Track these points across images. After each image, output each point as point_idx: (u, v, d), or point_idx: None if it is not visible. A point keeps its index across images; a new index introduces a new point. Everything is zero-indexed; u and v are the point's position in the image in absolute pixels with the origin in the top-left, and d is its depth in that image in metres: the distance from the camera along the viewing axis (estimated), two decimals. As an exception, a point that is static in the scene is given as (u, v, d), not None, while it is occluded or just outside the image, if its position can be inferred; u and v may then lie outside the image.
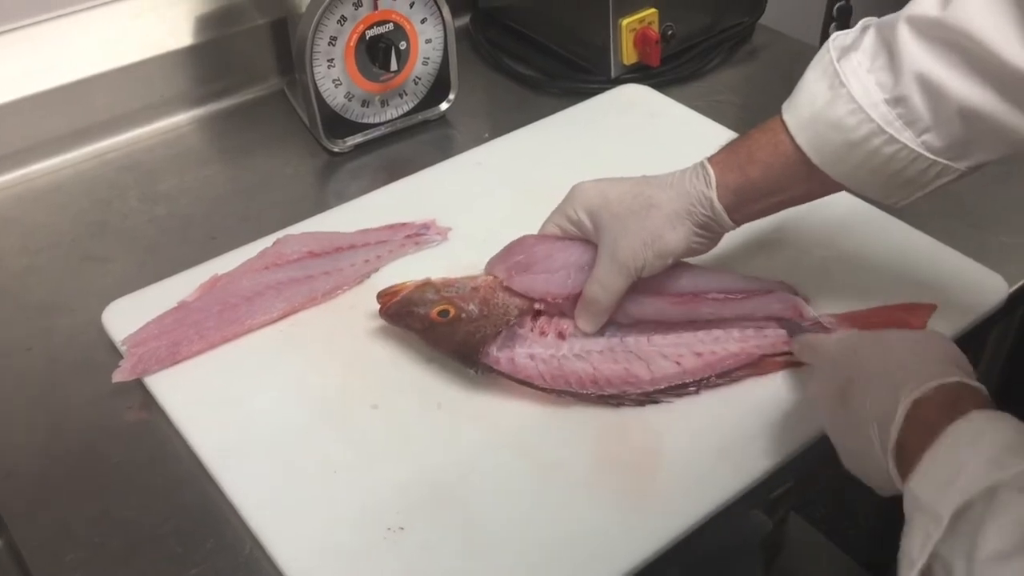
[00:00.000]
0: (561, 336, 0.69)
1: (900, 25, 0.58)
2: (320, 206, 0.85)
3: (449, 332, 0.67)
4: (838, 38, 0.62)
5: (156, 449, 0.66)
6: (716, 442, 0.64)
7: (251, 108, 1.01)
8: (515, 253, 0.70)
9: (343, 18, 0.87)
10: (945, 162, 0.59)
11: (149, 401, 0.69)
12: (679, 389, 0.66)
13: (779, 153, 0.63)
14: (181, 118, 0.98)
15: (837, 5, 1.64)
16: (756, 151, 0.64)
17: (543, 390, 0.66)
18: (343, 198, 0.86)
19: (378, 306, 0.70)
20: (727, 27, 1.07)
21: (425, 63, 0.94)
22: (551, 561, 0.58)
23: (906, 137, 0.59)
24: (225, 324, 0.72)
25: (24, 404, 0.70)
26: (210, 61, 0.98)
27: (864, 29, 0.61)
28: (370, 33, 0.88)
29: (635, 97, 0.98)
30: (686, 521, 0.60)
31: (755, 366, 0.68)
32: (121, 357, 0.70)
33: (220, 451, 0.64)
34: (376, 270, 0.77)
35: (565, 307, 0.70)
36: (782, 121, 0.63)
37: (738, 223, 0.67)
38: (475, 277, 0.71)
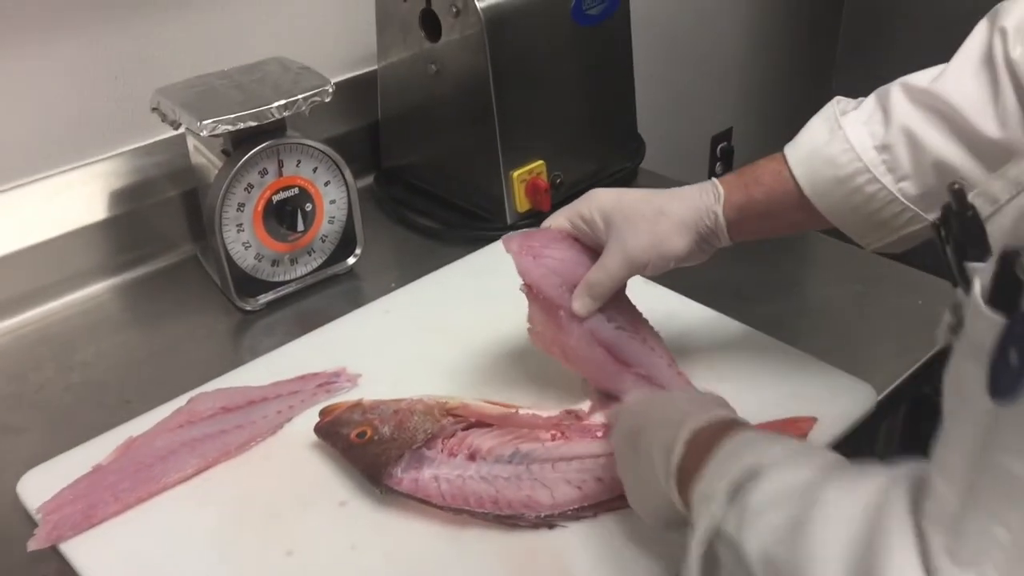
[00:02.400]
0: (471, 457, 0.72)
1: (894, 88, 0.69)
2: (235, 363, 0.88)
3: (362, 453, 0.72)
4: (842, 101, 0.72)
5: (72, 615, 0.67)
6: (617, 560, 0.67)
7: (166, 274, 1.05)
8: (536, 238, 0.77)
9: (250, 185, 0.92)
10: (916, 210, 0.69)
11: (65, 568, 0.69)
12: (578, 512, 0.69)
13: (780, 180, 0.72)
14: (97, 287, 1.01)
15: (720, 146, 1.78)
16: (761, 176, 0.73)
17: (440, 508, 0.69)
18: (257, 353, 0.89)
19: (298, 443, 0.75)
20: (611, 172, 1.16)
21: (331, 222, 0.99)
22: None
23: (887, 180, 0.68)
24: (140, 484, 0.73)
25: (-63, 581, 0.70)
26: (125, 232, 1.02)
27: (865, 99, 0.72)
28: (277, 197, 0.94)
29: (531, 241, 1.04)
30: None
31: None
32: (37, 526, 0.71)
33: (137, 611, 0.65)
34: (289, 420, 0.80)
35: (486, 418, 0.76)
36: (783, 155, 0.72)
37: (734, 240, 0.75)
38: (400, 400, 0.75)
